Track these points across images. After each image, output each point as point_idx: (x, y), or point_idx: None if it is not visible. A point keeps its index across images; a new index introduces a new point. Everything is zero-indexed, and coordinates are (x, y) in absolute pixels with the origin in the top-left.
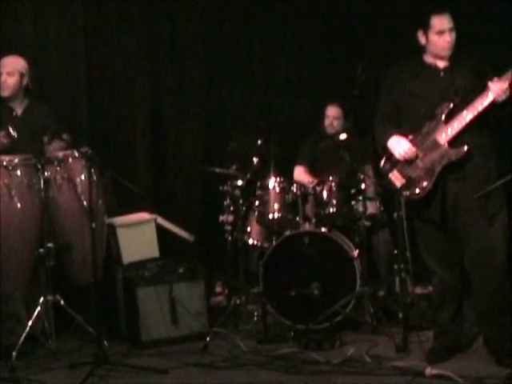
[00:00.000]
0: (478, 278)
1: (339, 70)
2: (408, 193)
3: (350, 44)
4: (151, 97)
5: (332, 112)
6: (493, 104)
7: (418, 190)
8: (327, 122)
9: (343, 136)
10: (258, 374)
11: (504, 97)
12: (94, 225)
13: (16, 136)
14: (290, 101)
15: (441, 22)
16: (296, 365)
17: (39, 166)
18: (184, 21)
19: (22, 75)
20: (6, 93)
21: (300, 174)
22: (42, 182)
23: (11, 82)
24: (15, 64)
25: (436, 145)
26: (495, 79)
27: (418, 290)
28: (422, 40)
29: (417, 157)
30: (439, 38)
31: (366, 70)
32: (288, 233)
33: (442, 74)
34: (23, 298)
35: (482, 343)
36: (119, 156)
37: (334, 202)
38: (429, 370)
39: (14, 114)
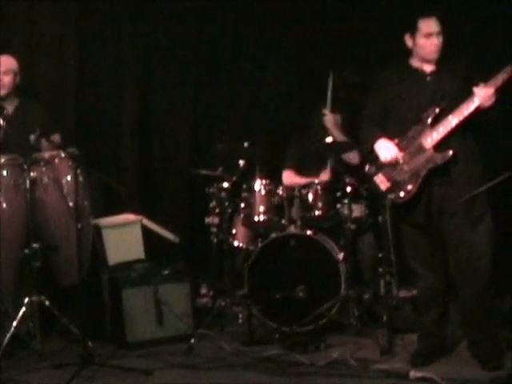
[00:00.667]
0: (463, 282)
1: (326, 73)
2: (393, 196)
3: (337, 47)
4: (139, 98)
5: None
6: (478, 109)
7: (402, 194)
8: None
9: (329, 139)
10: (242, 375)
11: (490, 102)
12: (79, 225)
13: (4, 125)
14: (276, 103)
15: (428, 26)
16: (281, 367)
17: (25, 167)
18: (172, 22)
19: (15, 74)
20: (2, 92)
21: (289, 177)
22: (28, 182)
23: (7, 81)
24: (9, 63)
25: (421, 149)
26: (481, 85)
27: (403, 293)
28: (409, 43)
29: (402, 160)
30: (426, 41)
31: (353, 73)
32: (273, 235)
33: (428, 78)
34: (12, 296)
35: (466, 346)
36: (106, 157)
37: (320, 204)
38: (413, 373)
39: (5, 112)
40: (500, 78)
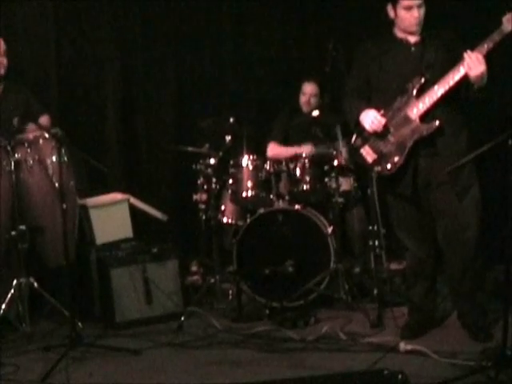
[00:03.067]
0: (451, 253)
1: (311, 46)
2: (379, 168)
3: (321, 20)
4: (122, 77)
5: (309, 89)
6: (464, 79)
7: (389, 166)
8: (304, 99)
9: (316, 113)
10: (232, 352)
11: (479, 69)
12: (64, 206)
13: None
14: (261, 78)
15: None
16: (271, 343)
17: (9, 148)
18: None
19: (6, 56)
20: (1, 72)
21: (274, 148)
22: (12, 164)
23: (5, 62)
24: (2, 44)
25: (407, 120)
26: (469, 51)
27: (393, 266)
28: (391, 14)
29: (388, 132)
30: (407, 13)
31: (338, 47)
32: (262, 210)
33: (412, 48)
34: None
35: (455, 318)
36: (91, 136)
37: (308, 179)
38: (403, 346)
39: None
40: (485, 46)
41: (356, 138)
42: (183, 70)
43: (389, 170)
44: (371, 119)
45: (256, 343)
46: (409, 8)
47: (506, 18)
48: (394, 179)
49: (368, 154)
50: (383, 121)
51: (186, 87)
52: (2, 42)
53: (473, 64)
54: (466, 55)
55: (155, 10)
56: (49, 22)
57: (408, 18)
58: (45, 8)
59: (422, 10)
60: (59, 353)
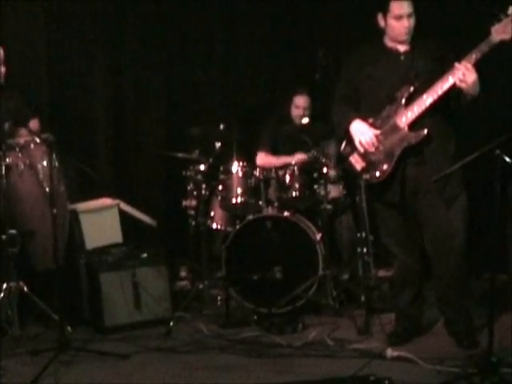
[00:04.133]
0: (438, 261)
1: (301, 54)
2: (368, 176)
3: (311, 28)
4: (112, 83)
5: (302, 102)
6: (453, 88)
7: (378, 174)
8: (297, 112)
9: (305, 120)
10: (220, 358)
11: (470, 78)
12: (55, 211)
13: None
14: (251, 85)
15: (399, 7)
16: (258, 348)
17: (0, 153)
18: (146, 1)
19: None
20: (1, 81)
21: (263, 158)
22: (3, 168)
23: (3, 70)
24: (1, 53)
25: (396, 128)
26: (456, 63)
27: (381, 273)
28: (381, 23)
29: (378, 143)
30: (397, 22)
31: (328, 55)
32: (251, 217)
33: (402, 57)
34: None
35: (442, 325)
36: (81, 141)
37: (297, 185)
38: (389, 352)
39: None
40: (473, 56)
41: (345, 146)
42: (173, 76)
43: (377, 178)
44: (366, 139)
45: (244, 349)
46: (399, 17)
47: (494, 29)
48: (382, 187)
49: (357, 161)
50: (375, 141)
51: (177, 93)
52: (1, 51)
53: (463, 74)
54: (456, 66)
55: (146, 15)
56: (39, 25)
57: (398, 27)
58: (35, 11)
59: (412, 20)
60: (48, 356)
